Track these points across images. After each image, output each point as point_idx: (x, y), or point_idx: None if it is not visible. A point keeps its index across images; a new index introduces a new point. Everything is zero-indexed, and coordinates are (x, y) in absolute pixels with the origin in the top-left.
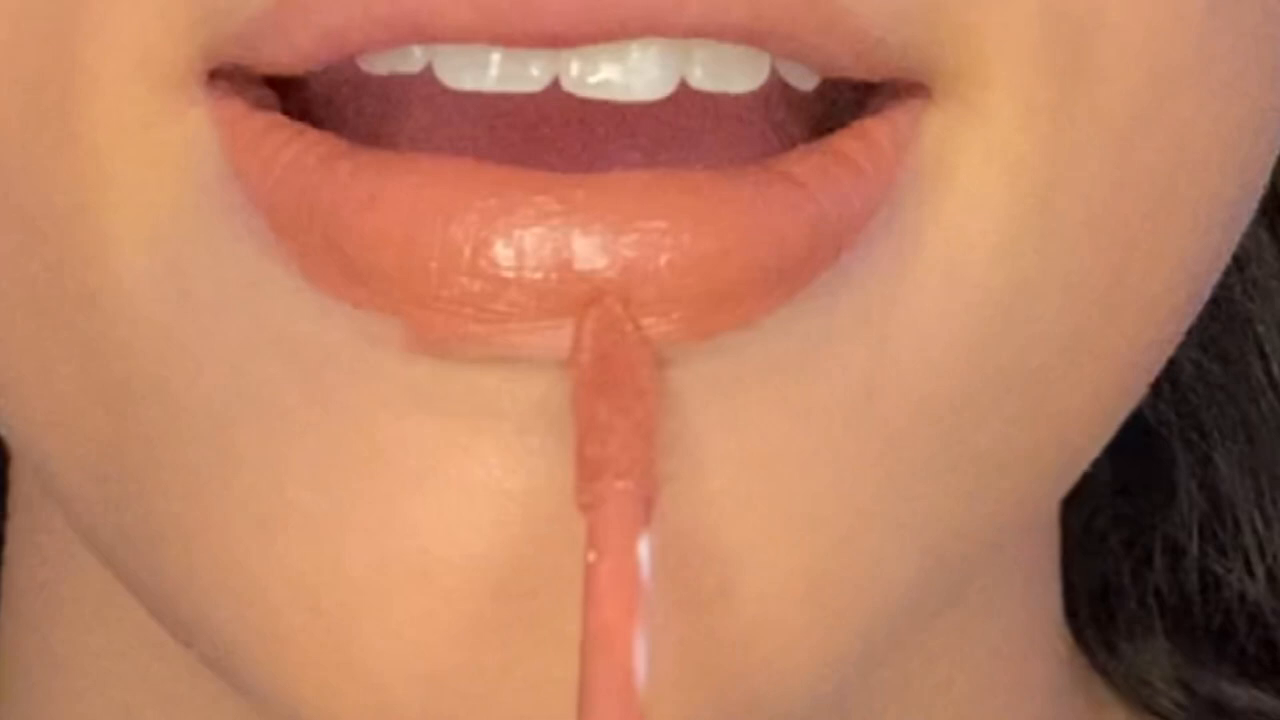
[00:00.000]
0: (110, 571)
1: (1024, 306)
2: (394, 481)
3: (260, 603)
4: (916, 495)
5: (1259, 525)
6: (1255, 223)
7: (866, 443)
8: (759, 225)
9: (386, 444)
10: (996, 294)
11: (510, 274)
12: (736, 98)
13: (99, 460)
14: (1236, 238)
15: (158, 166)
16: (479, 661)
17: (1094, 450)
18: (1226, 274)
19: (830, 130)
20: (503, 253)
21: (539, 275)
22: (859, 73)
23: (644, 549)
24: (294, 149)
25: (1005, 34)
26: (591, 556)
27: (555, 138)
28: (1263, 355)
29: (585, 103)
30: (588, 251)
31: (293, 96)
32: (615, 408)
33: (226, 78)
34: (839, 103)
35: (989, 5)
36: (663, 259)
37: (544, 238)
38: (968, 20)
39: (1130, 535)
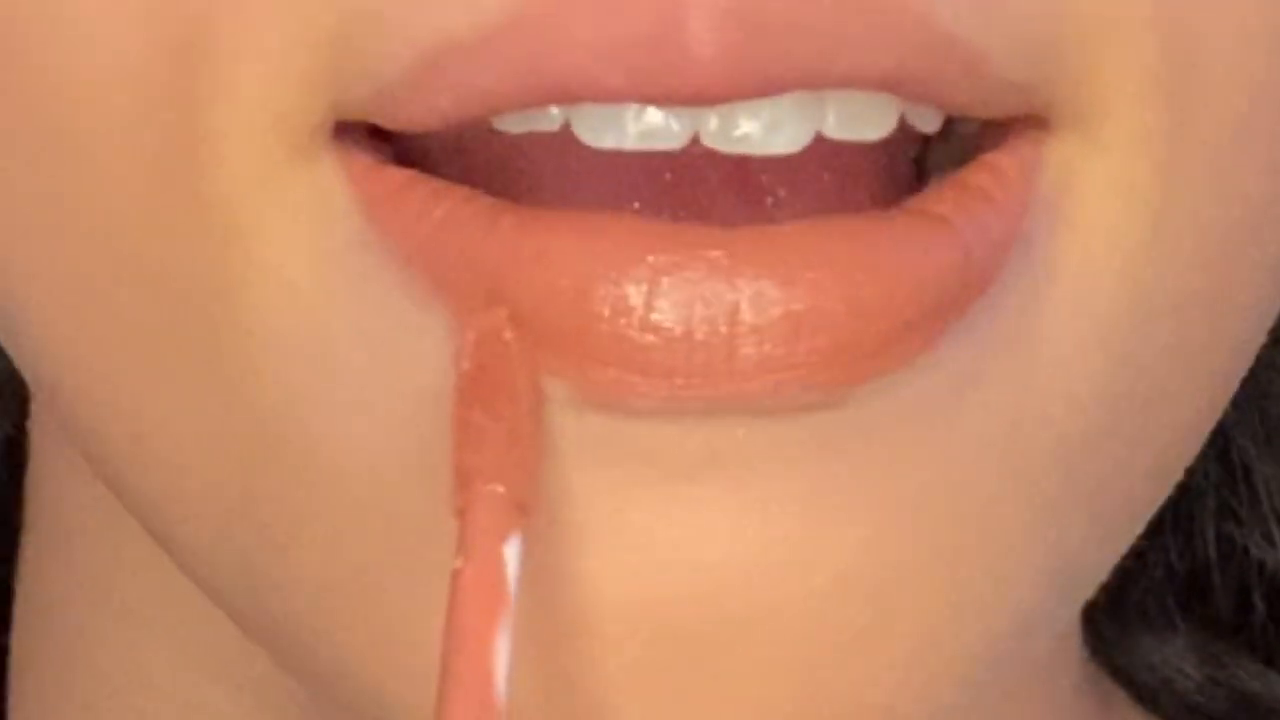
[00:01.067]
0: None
1: (1142, 331)
2: (565, 535)
3: (407, 669)
4: (1048, 525)
5: (1275, 491)
6: None
7: (1009, 482)
8: (918, 264)
9: (557, 497)
10: (1121, 320)
11: (681, 328)
12: (862, 145)
13: (228, 516)
14: None
15: (290, 220)
16: (642, 706)
17: (1191, 458)
18: None
19: (929, 166)
20: (675, 308)
21: (708, 328)
22: (984, 112)
23: (511, 553)
24: (447, 203)
25: (1123, 65)
26: (458, 562)
27: (697, 193)
28: (1276, 325)
29: (725, 156)
30: (758, 305)
31: (408, 148)
32: (489, 413)
33: (353, 130)
34: (933, 136)
35: (1110, 42)
36: (837, 305)
37: (715, 293)
38: (1085, 57)
39: None
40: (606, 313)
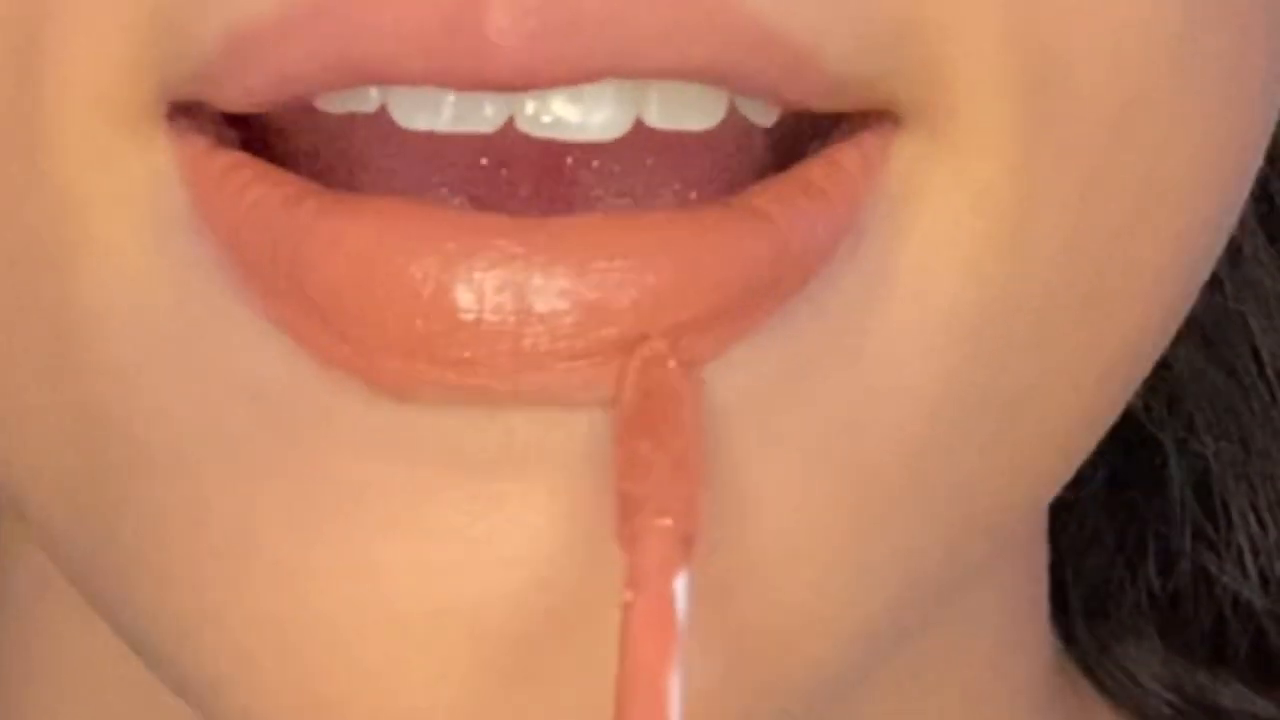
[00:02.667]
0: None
1: (996, 332)
2: (363, 526)
3: (231, 644)
4: (890, 529)
5: (1252, 524)
6: (1246, 219)
7: (841, 478)
8: (720, 257)
9: (354, 488)
10: (967, 319)
11: (470, 317)
12: (694, 134)
13: (69, 495)
14: (1216, 255)
15: (123, 203)
16: (451, 706)
17: (1071, 469)
18: (1219, 271)
19: (796, 156)
20: (463, 295)
21: (497, 318)
22: (820, 106)
23: (681, 587)
24: (259, 188)
25: (971, 64)
26: (629, 595)
27: (516, 177)
28: (1256, 353)
29: (546, 141)
30: (549, 294)
31: (253, 133)
32: (655, 444)
33: (187, 114)
34: (802, 129)
35: (954, 37)
36: (626, 299)
37: (505, 280)
38: (933, 52)
39: (1123, 533)
40: (395, 299)
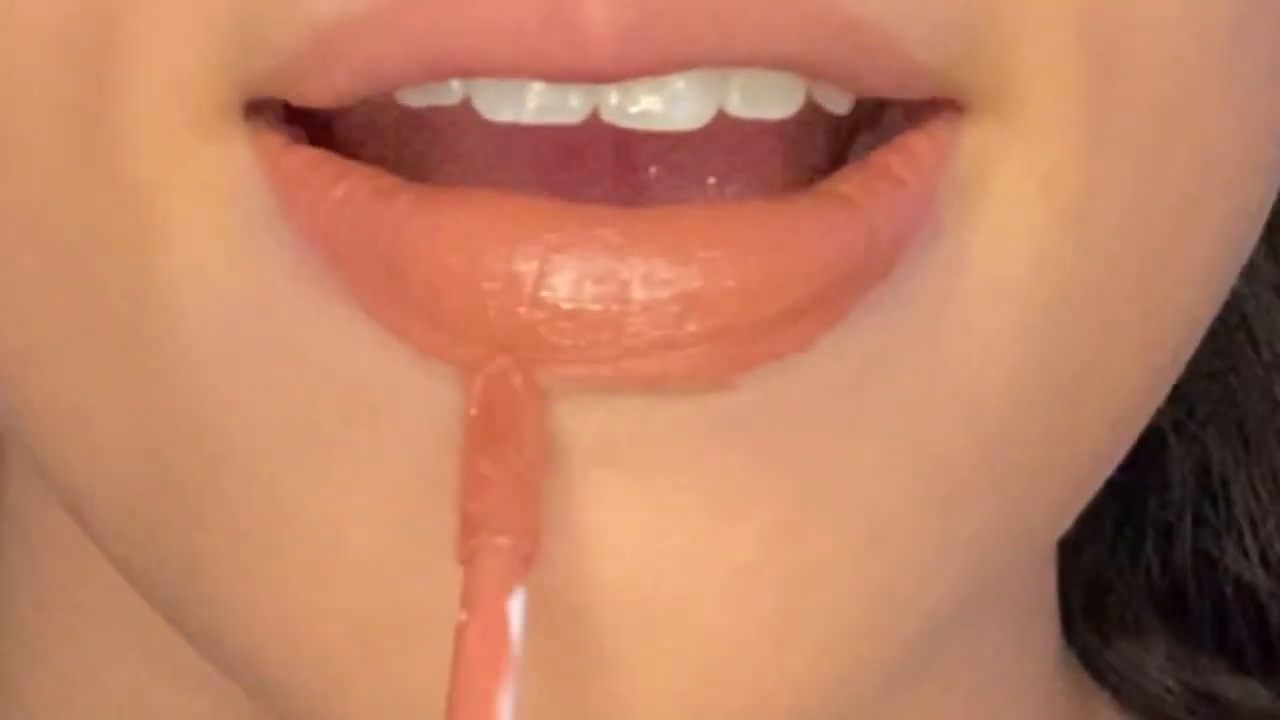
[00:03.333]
0: (145, 600)
1: (1062, 316)
2: (451, 526)
3: (317, 643)
4: (963, 514)
5: (1252, 507)
6: None
7: (921, 465)
8: (817, 245)
9: (448, 482)
10: (1037, 304)
11: (571, 306)
12: (772, 121)
13: (138, 501)
14: (1255, 238)
15: (201, 200)
16: (536, 699)
17: (1124, 451)
18: None
19: (854, 148)
20: (566, 285)
21: (599, 308)
22: (895, 94)
23: (516, 607)
24: (348, 183)
25: (1041, 52)
26: (462, 615)
27: (594, 165)
28: (1253, 338)
29: (623, 132)
30: (651, 283)
31: (327, 127)
32: (496, 462)
33: (264, 110)
34: (863, 119)
35: (1026, 25)
36: (727, 287)
37: (607, 270)
38: (1005, 41)
39: (1122, 519)
40: (496, 289)
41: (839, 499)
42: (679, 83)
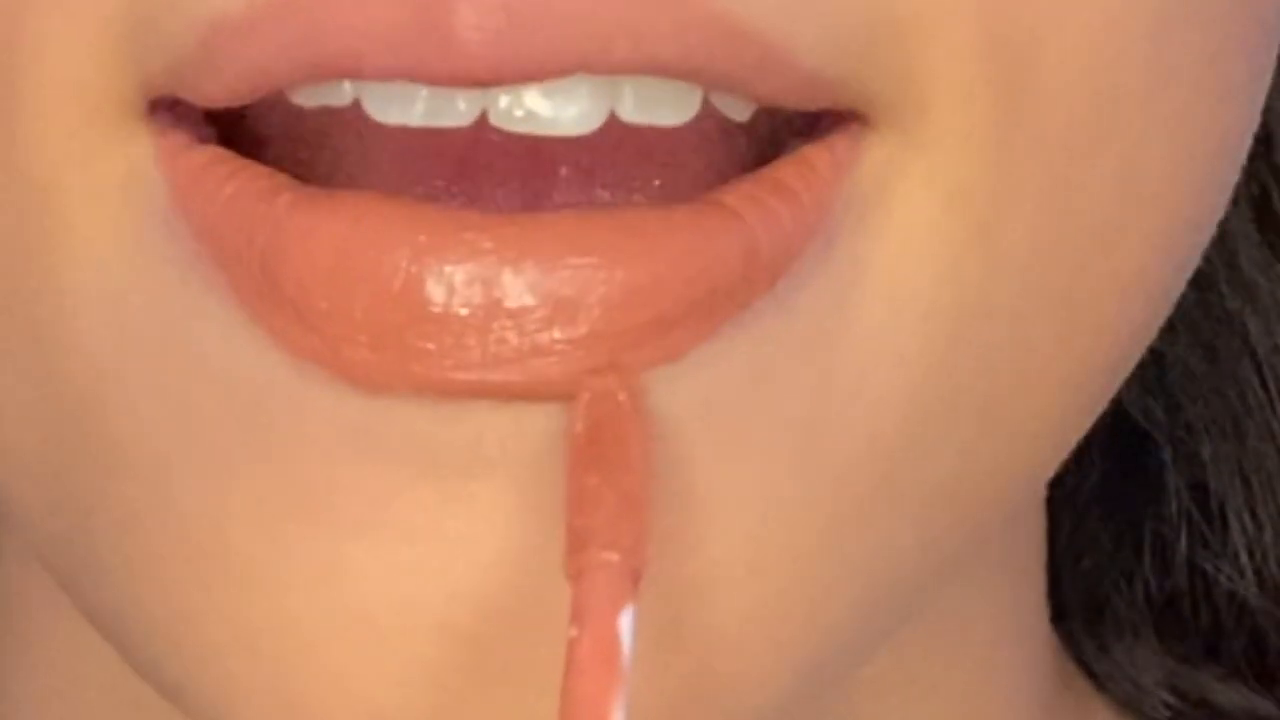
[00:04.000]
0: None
1: (971, 333)
2: (332, 527)
3: (202, 646)
4: (862, 533)
5: (1248, 523)
6: (1243, 219)
7: (810, 484)
8: (691, 254)
9: (325, 488)
10: (942, 321)
11: (438, 309)
12: (672, 129)
13: (45, 488)
14: (1199, 254)
15: (101, 198)
16: (419, 706)
17: (1053, 466)
18: (1214, 271)
19: (772, 156)
20: (433, 288)
21: (466, 312)
22: (793, 104)
23: (626, 623)
24: (237, 182)
25: (945, 63)
26: (574, 631)
27: (492, 171)
28: (1251, 352)
29: (525, 137)
30: (518, 289)
31: (233, 130)
32: (604, 479)
33: (167, 110)
34: (778, 128)
35: (925, 38)
36: (595, 294)
37: (474, 274)
38: (904, 52)
39: (1119, 533)
40: (366, 290)
41: (715, 518)
42: (566, 86)
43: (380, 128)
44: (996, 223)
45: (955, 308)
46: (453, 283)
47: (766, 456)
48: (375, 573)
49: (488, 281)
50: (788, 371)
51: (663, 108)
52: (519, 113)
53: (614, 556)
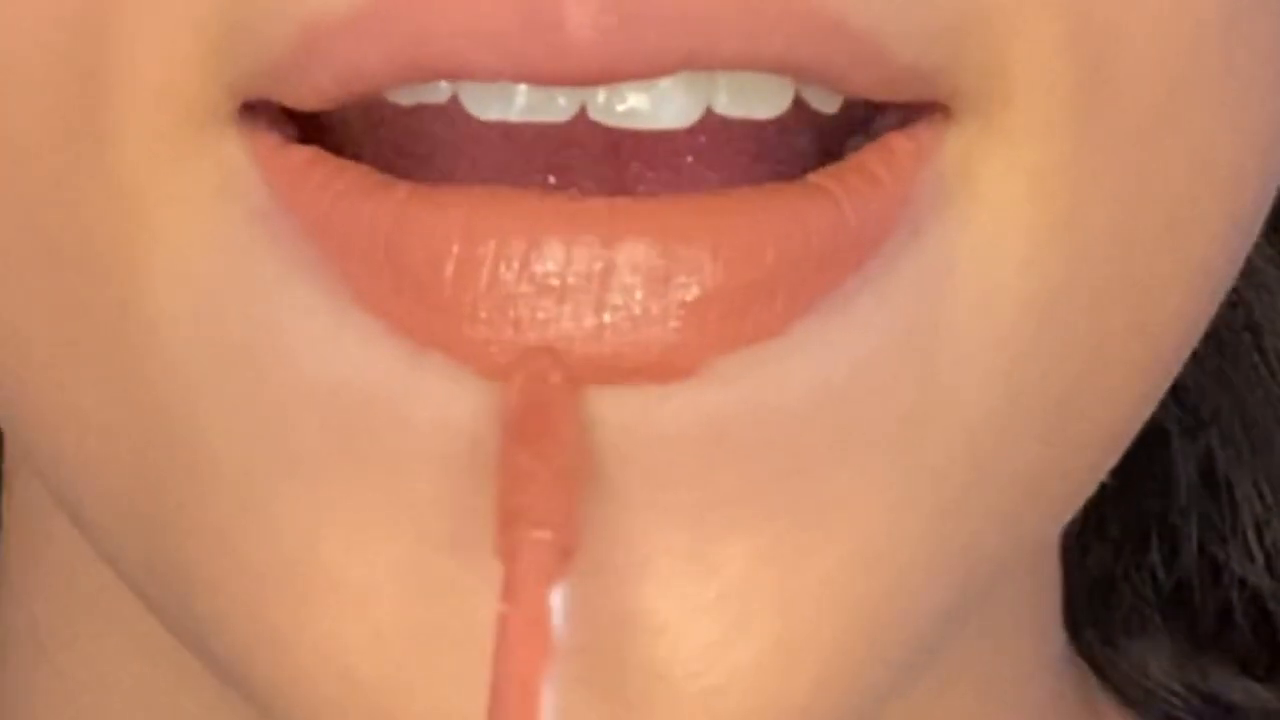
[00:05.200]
0: (138, 597)
1: (1054, 320)
2: (434, 545)
3: (292, 666)
4: (956, 527)
5: (1258, 510)
6: None
7: (911, 478)
8: (784, 223)
9: (424, 504)
10: (1028, 308)
11: (556, 281)
12: (764, 121)
13: (127, 503)
14: (1250, 244)
15: (191, 201)
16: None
17: (1118, 455)
18: None
19: (855, 148)
20: (550, 262)
21: (580, 281)
22: (882, 95)
23: (557, 600)
24: (346, 179)
25: (1028, 55)
26: (503, 607)
27: (582, 163)
28: (1259, 341)
29: (614, 131)
30: (630, 262)
31: (320, 130)
32: (536, 456)
33: (258, 110)
34: (856, 118)
35: (1011, 31)
36: (704, 253)
37: (588, 251)
38: (991, 45)
39: (1128, 522)
40: (489, 266)
41: (827, 518)
42: (666, 82)
43: (476, 122)
44: (1077, 211)
45: (1040, 293)
46: (569, 257)
47: (874, 453)
48: (477, 590)
49: (601, 257)
50: (889, 361)
51: (757, 101)
52: (619, 107)
53: (545, 534)
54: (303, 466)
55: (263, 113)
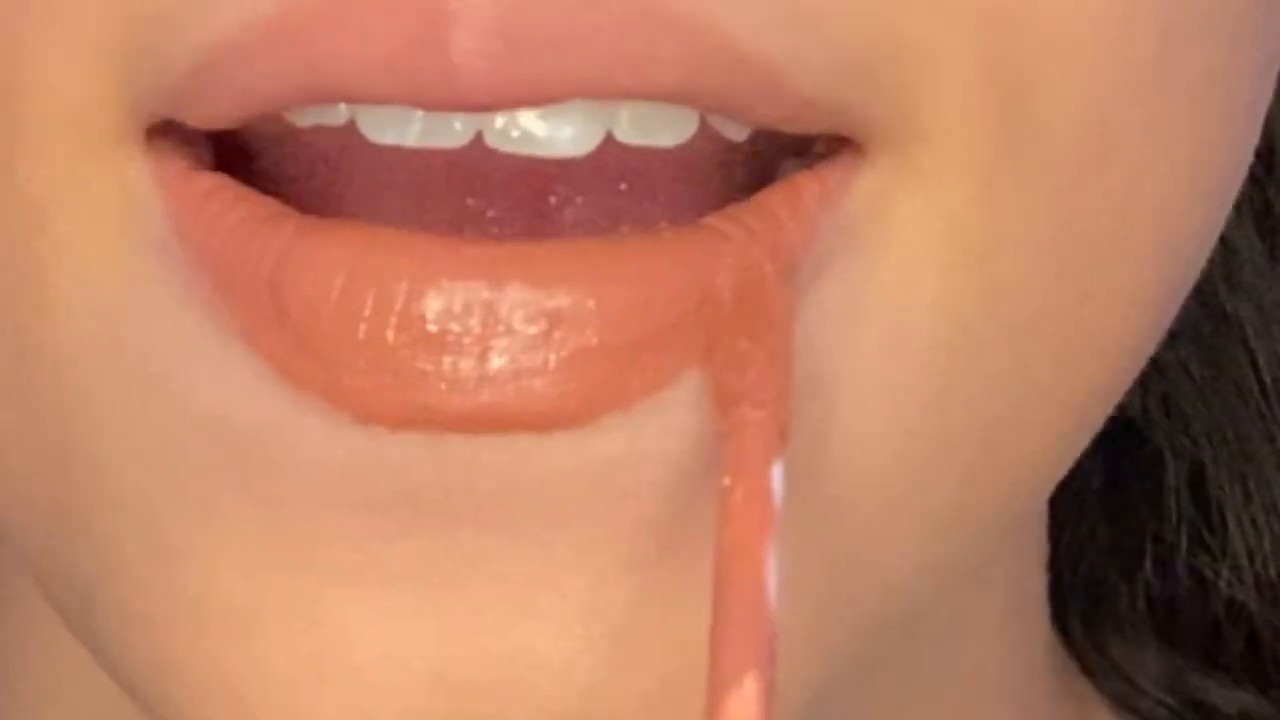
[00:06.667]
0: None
1: (970, 362)
2: (319, 575)
3: (187, 691)
4: (860, 570)
5: (1247, 528)
6: (1243, 224)
7: (810, 520)
8: (679, 275)
9: (312, 537)
10: (940, 352)
11: (435, 330)
12: (669, 149)
13: (38, 518)
14: (1198, 270)
15: (97, 222)
16: None
17: (1052, 486)
18: (1214, 275)
19: (774, 174)
20: (430, 311)
21: (461, 329)
22: (791, 128)
23: (777, 474)
24: (241, 210)
25: (943, 91)
26: (726, 480)
27: (489, 190)
28: (1251, 357)
29: (522, 159)
30: (511, 311)
31: (230, 149)
32: (752, 340)
33: (165, 134)
34: (781, 146)
35: (926, 64)
36: (590, 305)
37: (470, 298)
38: (904, 78)
39: (1119, 536)
40: (369, 311)
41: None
42: (563, 108)
43: (377, 147)
44: (995, 251)
45: (954, 336)
46: (449, 306)
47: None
48: (362, 622)
49: (483, 304)
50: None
51: (659, 129)
52: (515, 133)
53: (764, 414)
54: (198, 496)
55: (176, 133)
